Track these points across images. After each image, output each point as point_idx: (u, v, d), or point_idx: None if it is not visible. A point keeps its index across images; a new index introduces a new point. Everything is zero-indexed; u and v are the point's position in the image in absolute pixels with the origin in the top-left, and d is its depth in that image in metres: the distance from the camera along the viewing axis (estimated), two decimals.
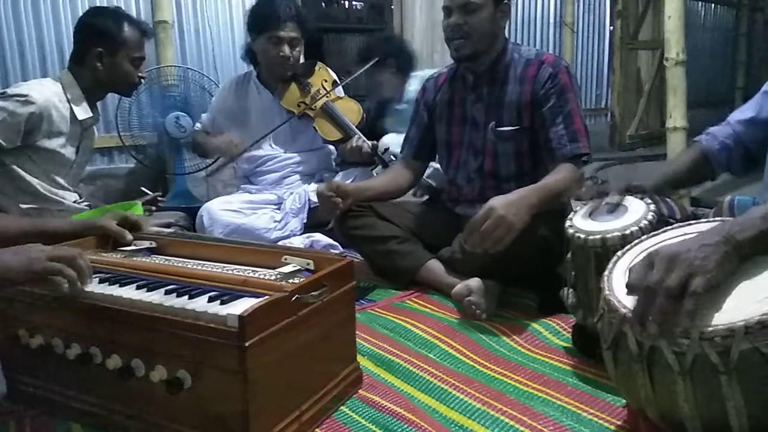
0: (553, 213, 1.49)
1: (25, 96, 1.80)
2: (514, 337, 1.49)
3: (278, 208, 2.34)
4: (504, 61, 1.79)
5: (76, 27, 1.99)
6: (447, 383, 1.26)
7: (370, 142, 2.34)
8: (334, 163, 2.55)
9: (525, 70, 1.76)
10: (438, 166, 2.10)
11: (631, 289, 0.91)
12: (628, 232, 1.17)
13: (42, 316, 1.11)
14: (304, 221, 2.28)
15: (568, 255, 1.32)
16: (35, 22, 2.61)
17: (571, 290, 1.33)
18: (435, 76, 1.99)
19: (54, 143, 1.89)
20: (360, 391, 1.23)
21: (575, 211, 1.34)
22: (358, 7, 4.83)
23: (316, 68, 2.47)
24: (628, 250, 1.07)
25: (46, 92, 1.86)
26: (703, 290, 0.83)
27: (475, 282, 1.60)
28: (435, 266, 1.80)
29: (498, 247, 1.43)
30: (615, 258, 1.06)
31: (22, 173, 1.87)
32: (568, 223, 1.30)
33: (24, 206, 1.86)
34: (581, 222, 1.29)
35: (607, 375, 1.05)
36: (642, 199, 1.27)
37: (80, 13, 2.64)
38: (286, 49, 2.26)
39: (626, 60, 5.23)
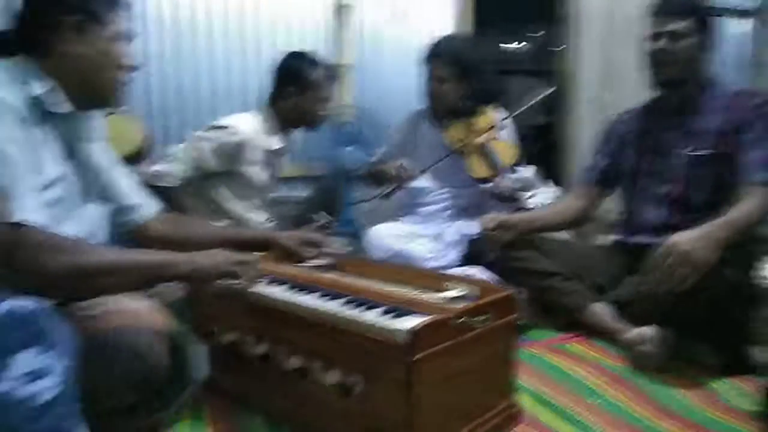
0: (742, 252, 1.35)
1: (231, 127, 2.10)
2: (691, 393, 1.36)
3: (435, 240, 2.41)
4: (705, 93, 1.73)
5: (276, 68, 2.27)
6: None
7: (515, 186, 2.33)
8: (487, 201, 2.56)
9: (728, 100, 1.69)
10: None
11: None
12: None
13: (236, 316, 1.26)
14: (462, 254, 2.31)
15: (761, 308, 1.19)
16: (241, 68, 3.02)
17: (764, 348, 1.19)
18: (630, 109, 1.97)
19: (251, 170, 2.16)
20: (518, 427, 1.21)
21: None
22: (525, 49, 4.85)
23: (484, 109, 2.52)
24: None
25: (249, 124, 2.14)
26: None
27: (650, 330, 1.50)
28: (602, 309, 1.71)
29: (681, 286, 1.33)
30: None
31: (219, 197, 2.16)
32: (764, 272, 1.18)
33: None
34: None
35: None
36: None
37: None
38: (435, 85, 2.36)
39: None
